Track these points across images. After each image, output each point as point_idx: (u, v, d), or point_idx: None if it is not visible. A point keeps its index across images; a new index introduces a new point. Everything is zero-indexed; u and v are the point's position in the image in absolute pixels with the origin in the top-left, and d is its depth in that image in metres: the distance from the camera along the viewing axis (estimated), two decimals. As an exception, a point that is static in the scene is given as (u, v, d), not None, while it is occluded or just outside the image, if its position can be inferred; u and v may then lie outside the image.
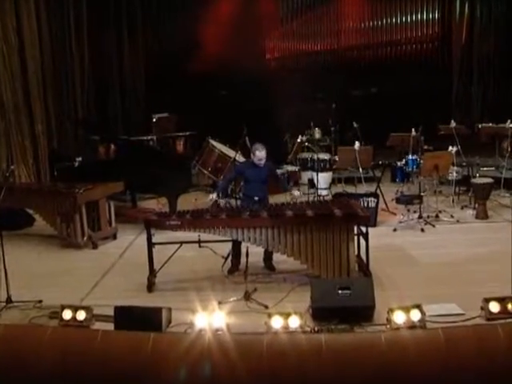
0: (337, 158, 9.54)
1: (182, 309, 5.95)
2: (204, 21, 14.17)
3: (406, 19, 14.83)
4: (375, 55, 15.14)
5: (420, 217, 8.66)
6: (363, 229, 6.67)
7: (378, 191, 9.18)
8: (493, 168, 10.16)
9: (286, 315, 5.54)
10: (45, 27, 11.38)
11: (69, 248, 8.28)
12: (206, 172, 9.38)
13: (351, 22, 15.11)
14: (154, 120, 11.30)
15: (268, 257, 7.15)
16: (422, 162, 8.74)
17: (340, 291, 5.69)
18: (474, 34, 14.29)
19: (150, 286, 6.66)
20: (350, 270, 6.43)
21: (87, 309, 5.83)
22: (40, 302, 6.27)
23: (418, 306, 5.46)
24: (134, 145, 9.95)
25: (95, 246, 8.31)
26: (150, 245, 6.64)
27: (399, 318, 5.40)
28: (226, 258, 6.98)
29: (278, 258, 7.04)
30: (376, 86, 14.78)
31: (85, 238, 8.26)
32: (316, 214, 6.37)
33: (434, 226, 8.56)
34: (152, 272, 6.71)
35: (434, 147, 10.10)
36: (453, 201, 9.58)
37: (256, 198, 6.92)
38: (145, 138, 11.32)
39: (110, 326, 5.59)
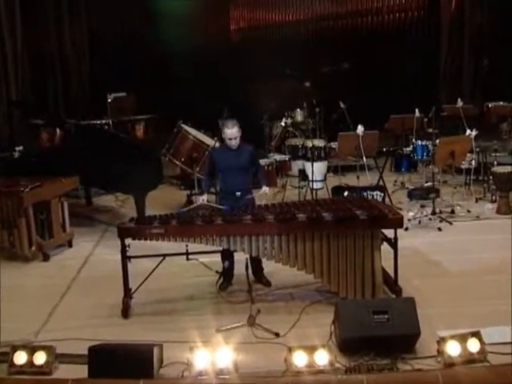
0: (333, 145, 8.71)
1: (171, 341, 5.05)
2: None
3: (388, -16, 14.11)
4: (353, 25, 14.38)
5: (434, 213, 7.95)
6: (386, 233, 5.85)
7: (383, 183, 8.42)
8: (505, 153, 9.50)
9: (310, 349, 4.69)
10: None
11: (13, 261, 7.19)
12: (178, 163, 8.38)
13: (327, -12, 14.28)
14: (110, 101, 10.18)
15: (257, 267, 6.19)
16: (435, 148, 7.97)
17: (375, 316, 4.85)
18: (464, 1, 13.62)
19: (126, 310, 5.69)
20: (375, 286, 5.63)
21: (48, 348, 4.83)
22: (-19, 338, 5.19)
23: (476, 334, 4.69)
24: (88, 130, 8.85)
25: (46, 258, 7.26)
26: (125, 259, 5.67)
27: (453, 349, 4.62)
28: (221, 274, 6.06)
29: (276, 267, 6.09)
30: (355, 60, 13.99)
31: (33, 248, 7.20)
32: (335, 218, 5.50)
33: (451, 223, 7.86)
34: (128, 293, 5.72)
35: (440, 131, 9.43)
36: (469, 192, 8.92)
37: (238, 193, 6.00)
38: (98, 121, 10.20)
39: (83, 371, 4.61)
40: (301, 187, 8.79)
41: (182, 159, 8.31)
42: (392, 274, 5.82)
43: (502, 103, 9.91)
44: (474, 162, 8.49)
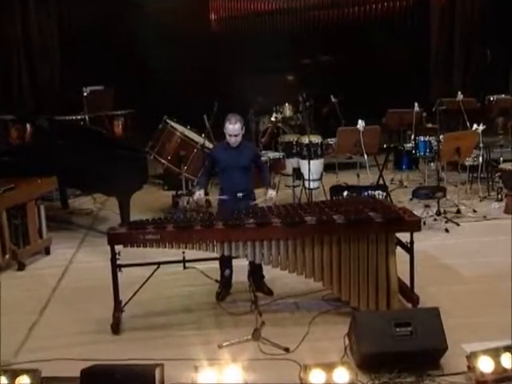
0: (330, 142, 8.42)
1: (169, 359, 4.69)
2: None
3: (375, -27, 13.88)
4: (340, 16, 14.11)
5: (439, 213, 7.72)
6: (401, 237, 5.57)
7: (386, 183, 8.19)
8: (508, 149, 9.33)
9: (329, 367, 4.38)
10: None
11: (-16, 271, 6.75)
12: (164, 162, 7.99)
13: (311, -24, 13.99)
14: (85, 94, 9.76)
15: (258, 274, 5.85)
16: (441, 143, 7.74)
17: (397, 329, 4.56)
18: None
19: (117, 325, 5.32)
20: (390, 295, 5.35)
21: (32, 372, 4.42)
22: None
23: (510, 348, 4.43)
24: (66, 126, 8.45)
25: (22, 267, 6.84)
26: (115, 268, 5.29)
27: (486, 365, 4.35)
28: (221, 284, 5.74)
29: (276, 274, 5.80)
30: (342, 52, 13.72)
31: (7, 257, 6.75)
32: (348, 221, 5.20)
33: (458, 224, 7.64)
34: (118, 305, 5.35)
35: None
36: (473, 191, 8.75)
37: (239, 194, 5.71)
38: (73, 117, 9.78)
39: (73, 397, 4.25)
40: (295, 187, 8.48)
41: (169, 157, 7.94)
42: (406, 281, 5.56)
43: (503, 96, 9.71)
44: (480, 158, 8.26)
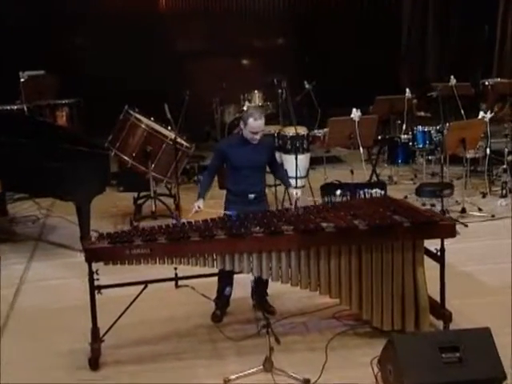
0: (317, 133, 8.05)
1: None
2: None
3: None
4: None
5: (443, 212, 7.48)
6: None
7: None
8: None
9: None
10: None
11: None
12: (127, 159, 7.45)
13: None
14: (23, 80, 9.12)
15: (261, 290, 5.51)
16: (445, 134, 7.51)
17: (443, 354, 4.20)
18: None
19: (96, 359, 4.78)
20: (419, 312, 5.03)
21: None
22: None
23: None
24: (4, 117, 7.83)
25: (-38, 289, 6.21)
26: (93, 290, 4.75)
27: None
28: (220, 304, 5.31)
29: (277, 289, 5.50)
30: (305, 32, 13.34)
31: None
32: (373, 226, 4.82)
33: (466, 225, 7.40)
34: (97, 335, 4.80)
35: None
36: (474, 186, 8.57)
37: (251, 196, 5.33)
38: (6, 107, 9.14)
39: None
40: (276, 186, 8.06)
41: (133, 154, 7.42)
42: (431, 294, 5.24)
43: (499, 79, 9.55)
44: (488, 149, 8.05)
